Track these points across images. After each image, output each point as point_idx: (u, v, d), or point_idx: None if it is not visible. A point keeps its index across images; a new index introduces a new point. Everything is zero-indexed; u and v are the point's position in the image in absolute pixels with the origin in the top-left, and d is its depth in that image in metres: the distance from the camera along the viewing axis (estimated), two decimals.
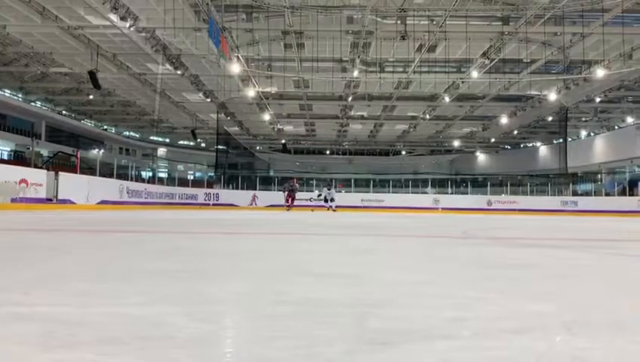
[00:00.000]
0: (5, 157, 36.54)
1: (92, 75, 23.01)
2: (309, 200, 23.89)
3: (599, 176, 39.05)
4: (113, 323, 1.30)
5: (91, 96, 35.68)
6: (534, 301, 1.75)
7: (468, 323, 1.37)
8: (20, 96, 37.45)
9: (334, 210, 22.50)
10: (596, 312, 1.57)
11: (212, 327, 1.30)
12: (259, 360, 1.03)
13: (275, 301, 1.63)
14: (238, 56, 22.91)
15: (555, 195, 32.05)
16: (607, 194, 31.54)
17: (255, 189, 29.84)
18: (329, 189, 23.91)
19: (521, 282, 2.24)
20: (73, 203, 14.28)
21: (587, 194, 33.98)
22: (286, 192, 24.33)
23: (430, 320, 1.39)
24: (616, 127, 40.63)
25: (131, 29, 19.45)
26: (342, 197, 27.84)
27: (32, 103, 39.01)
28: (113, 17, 19.08)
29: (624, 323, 1.40)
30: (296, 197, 24.92)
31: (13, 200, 11.75)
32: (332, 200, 23.33)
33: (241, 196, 28.48)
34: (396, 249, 4.16)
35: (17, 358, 1.02)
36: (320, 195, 24.97)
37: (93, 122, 47.90)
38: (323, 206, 23.67)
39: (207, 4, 18.06)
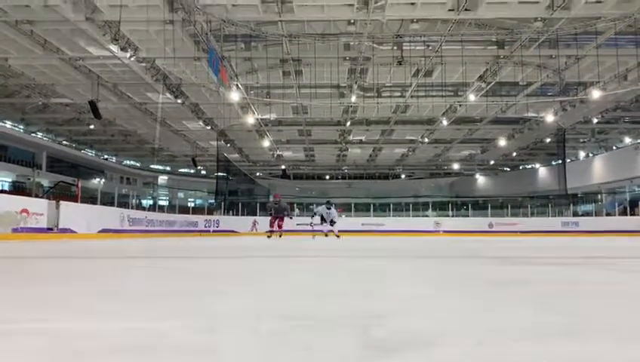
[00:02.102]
0: (6, 188, 36.59)
1: (93, 104, 23.20)
2: (310, 224, 19.63)
3: (599, 196, 39.06)
4: (120, 336, 1.33)
5: (92, 126, 35.91)
6: (535, 313, 1.78)
7: (467, 333, 1.40)
8: (21, 127, 37.72)
9: (337, 235, 18.41)
10: (599, 325, 1.60)
11: (216, 342, 1.33)
12: None
13: (279, 315, 1.66)
14: (237, 85, 23.16)
15: (555, 216, 31.99)
16: (607, 215, 31.48)
17: (255, 215, 29.81)
18: (328, 208, 19.17)
19: (523, 296, 2.26)
20: (74, 232, 14.28)
21: (588, 214, 33.93)
22: (271, 213, 19.39)
23: (430, 331, 1.42)
24: (614, 148, 40.80)
25: (132, 59, 19.71)
26: (342, 221, 27.75)
27: (33, 134, 39.27)
28: (114, 48, 19.35)
29: (627, 335, 1.42)
30: (290, 218, 19.95)
31: (14, 230, 11.77)
32: (332, 222, 18.91)
33: (242, 222, 28.43)
34: (400, 269, 4.17)
35: None
36: (314, 217, 19.87)
37: (93, 152, 48.14)
38: (321, 230, 19.27)
39: (207, 34, 18.35)
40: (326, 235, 18.95)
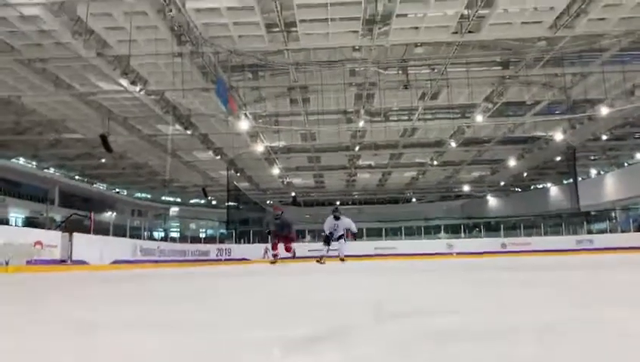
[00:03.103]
0: (19, 223, 36.85)
1: (104, 138, 23.40)
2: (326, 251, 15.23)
3: (613, 213, 38.54)
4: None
5: (103, 160, 36.32)
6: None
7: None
8: (34, 163, 38.25)
9: (342, 259, 14.94)
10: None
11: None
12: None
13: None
14: (245, 114, 23.42)
15: (569, 235, 31.54)
16: (622, 232, 31.00)
17: (267, 243, 29.71)
18: (337, 219, 15.01)
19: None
20: (87, 263, 14.33)
21: (602, 232, 33.45)
22: (272, 232, 14.50)
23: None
24: (625, 164, 40.48)
25: (141, 92, 20.05)
26: (353, 246, 27.51)
27: (46, 170, 39.79)
28: (124, 82, 19.71)
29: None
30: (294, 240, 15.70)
31: (28, 263, 11.84)
32: (340, 237, 14.87)
33: (253, 250, 28.34)
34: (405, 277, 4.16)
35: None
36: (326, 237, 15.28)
37: (105, 185, 48.60)
38: (323, 255, 14.95)
39: (215, 65, 18.66)
40: (320, 261, 14.75)
